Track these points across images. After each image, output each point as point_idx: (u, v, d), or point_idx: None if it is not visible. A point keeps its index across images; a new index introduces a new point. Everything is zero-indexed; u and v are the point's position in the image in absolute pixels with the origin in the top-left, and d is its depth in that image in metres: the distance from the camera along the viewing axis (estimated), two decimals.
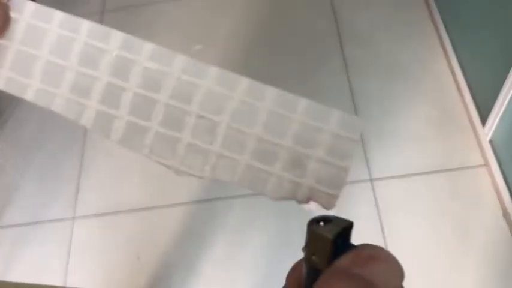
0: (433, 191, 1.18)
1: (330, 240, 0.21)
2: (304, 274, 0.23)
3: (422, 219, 1.15)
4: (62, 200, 1.30)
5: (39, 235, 1.26)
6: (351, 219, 0.22)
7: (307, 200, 0.25)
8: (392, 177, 1.20)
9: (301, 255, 0.23)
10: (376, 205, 1.17)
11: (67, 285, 1.17)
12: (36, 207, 1.30)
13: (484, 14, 1.14)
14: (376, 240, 1.12)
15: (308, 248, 0.22)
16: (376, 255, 0.20)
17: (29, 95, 0.27)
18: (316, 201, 0.24)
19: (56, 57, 0.27)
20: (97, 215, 1.26)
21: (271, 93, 0.25)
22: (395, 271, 0.20)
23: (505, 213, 1.11)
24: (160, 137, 0.26)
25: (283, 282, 0.25)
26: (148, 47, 0.26)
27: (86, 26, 0.27)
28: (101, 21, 1.62)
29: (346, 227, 0.22)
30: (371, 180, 1.21)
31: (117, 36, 0.27)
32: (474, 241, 1.10)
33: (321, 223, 0.22)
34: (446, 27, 1.37)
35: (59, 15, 0.27)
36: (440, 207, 1.16)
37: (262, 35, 1.51)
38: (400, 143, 1.25)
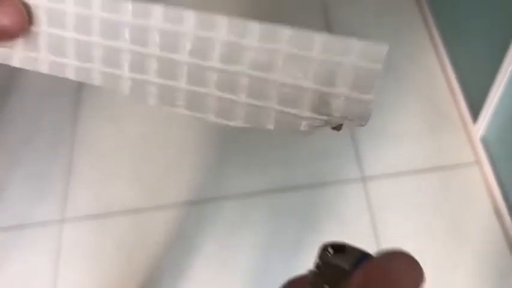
0: (425, 189, 1.17)
1: (346, 272, 0.20)
2: None
3: (414, 218, 1.14)
4: (50, 202, 1.28)
5: (27, 238, 1.24)
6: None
7: (338, 127, 0.25)
8: (384, 175, 1.20)
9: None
10: (368, 204, 1.16)
11: None
12: (24, 210, 1.28)
13: (474, 10, 1.14)
14: (368, 239, 1.11)
15: (322, 276, 0.21)
16: (391, 268, 0.19)
17: (70, 74, 0.28)
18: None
19: (82, 34, 0.28)
20: (87, 217, 1.25)
21: (285, 34, 0.25)
22: (414, 281, 0.19)
23: (497, 211, 1.11)
24: (190, 94, 0.26)
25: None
26: (159, 10, 0.27)
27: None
28: None
29: (362, 256, 0.21)
30: (362, 178, 1.20)
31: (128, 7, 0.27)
32: (466, 239, 1.10)
33: (331, 250, 0.21)
34: (436, 23, 1.37)
35: None
36: (432, 206, 1.15)
37: None
38: (391, 140, 1.25)
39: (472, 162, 1.19)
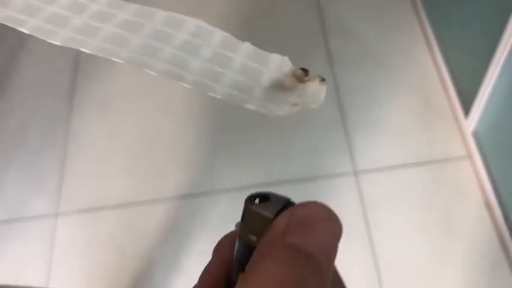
0: (417, 183, 1.18)
1: (271, 220, 0.20)
2: (238, 250, 0.22)
3: (406, 211, 1.15)
4: (44, 196, 1.28)
5: (21, 232, 1.24)
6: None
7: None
8: (376, 169, 1.21)
9: None
10: (360, 197, 1.17)
11: (50, 283, 1.15)
12: (18, 204, 1.28)
13: (466, 5, 1.15)
14: (360, 233, 1.12)
15: (247, 226, 0.22)
16: (310, 217, 0.19)
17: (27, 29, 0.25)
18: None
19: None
20: (80, 210, 1.25)
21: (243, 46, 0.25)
22: (331, 232, 0.19)
23: (487, 204, 1.12)
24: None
25: None
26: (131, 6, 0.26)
27: None
28: None
29: (286, 204, 0.21)
30: (354, 172, 1.21)
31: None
32: (457, 232, 1.11)
33: (257, 200, 0.21)
34: (428, 17, 1.37)
35: None
36: (424, 199, 1.16)
37: (245, 28, 1.49)
38: (384, 135, 1.26)
39: (463, 156, 1.20)
